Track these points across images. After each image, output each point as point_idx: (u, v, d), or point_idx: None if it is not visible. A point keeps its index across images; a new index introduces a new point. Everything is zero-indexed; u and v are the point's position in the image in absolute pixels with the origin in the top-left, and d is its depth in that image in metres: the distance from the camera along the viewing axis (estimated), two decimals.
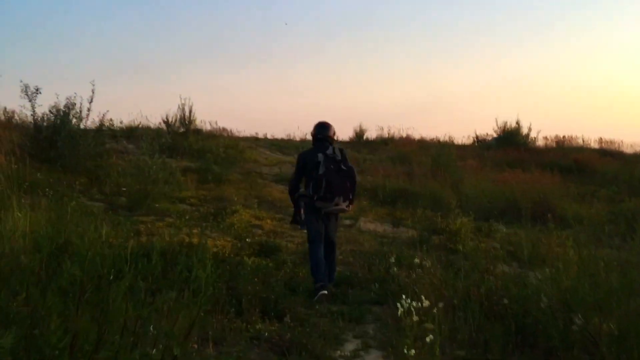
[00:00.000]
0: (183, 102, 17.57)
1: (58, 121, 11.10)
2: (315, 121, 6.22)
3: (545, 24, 41.61)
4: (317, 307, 5.35)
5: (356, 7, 42.72)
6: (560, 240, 8.71)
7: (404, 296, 3.92)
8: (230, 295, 4.86)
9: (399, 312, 3.91)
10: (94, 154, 11.55)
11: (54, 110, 11.08)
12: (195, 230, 8.16)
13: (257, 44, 42.14)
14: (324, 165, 5.64)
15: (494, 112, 43.19)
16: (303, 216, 5.95)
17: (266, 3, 42.54)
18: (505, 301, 4.70)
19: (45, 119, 11.12)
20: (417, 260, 5.38)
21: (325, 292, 5.54)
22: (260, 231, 8.90)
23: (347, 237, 8.66)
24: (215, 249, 6.84)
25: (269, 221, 9.54)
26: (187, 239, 6.42)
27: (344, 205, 5.77)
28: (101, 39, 38.25)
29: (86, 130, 11.45)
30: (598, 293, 4.11)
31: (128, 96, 34.75)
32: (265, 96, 37.67)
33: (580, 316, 4.02)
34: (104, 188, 10.23)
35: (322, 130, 6.00)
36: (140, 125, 17.75)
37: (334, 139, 6.07)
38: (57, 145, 10.78)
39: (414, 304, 3.84)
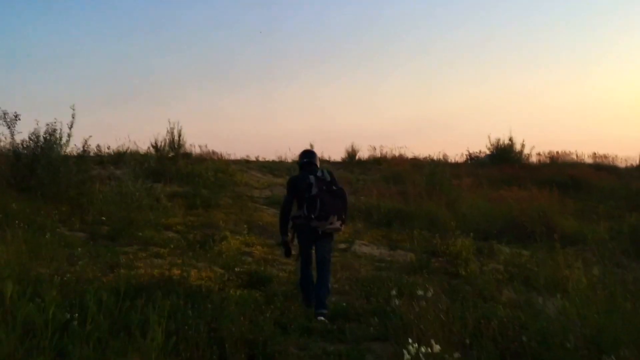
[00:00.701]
0: (172, 126, 17.09)
1: (38, 148, 10.47)
2: (305, 144, 6.32)
3: (536, 41, 41.44)
4: (310, 346, 4.73)
5: (347, 28, 42.53)
6: (568, 262, 8.18)
7: (410, 340, 3.31)
8: (212, 338, 4.23)
9: (405, 359, 3.31)
10: (77, 181, 10.90)
11: (33, 137, 10.44)
12: (179, 261, 7.56)
13: (248, 67, 41.73)
14: (316, 186, 5.70)
15: (486, 129, 42.88)
16: (293, 240, 5.97)
17: (258, 25, 42.21)
18: (524, 338, 4.10)
19: (24, 146, 10.48)
20: (420, 292, 4.77)
21: (311, 308, 5.57)
22: (250, 259, 8.28)
23: (342, 263, 8.04)
24: (200, 281, 6.21)
25: (259, 248, 8.92)
26: (167, 273, 5.77)
27: (337, 224, 5.76)
28: (89, 65, 37.71)
29: (68, 157, 10.81)
30: (631, 330, 3.54)
31: (117, 122, 34.10)
32: (256, 119, 37.18)
33: (614, 358, 3.42)
34: (86, 217, 9.59)
35: (308, 156, 6.19)
36: (128, 151, 17.17)
37: (318, 165, 6.15)
38: (37, 173, 10.13)
39: (423, 349, 3.24)
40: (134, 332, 3.74)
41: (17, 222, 7.87)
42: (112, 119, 34.06)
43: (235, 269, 7.32)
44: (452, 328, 4.35)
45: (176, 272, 6.15)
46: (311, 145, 19.59)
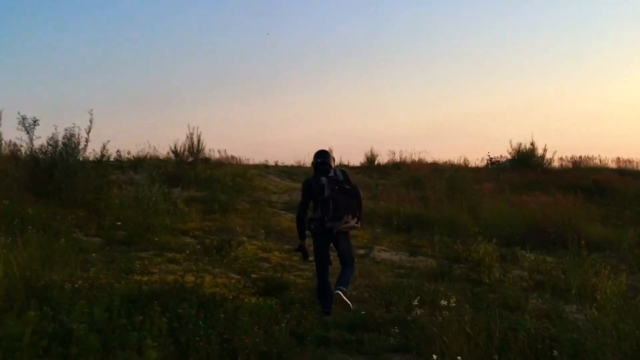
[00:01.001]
0: (191, 131, 16.99)
1: (56, 153, 10.38)
2: (322, 147, 6.30)
3: (558, 44, 40.80)
4: (328, 358, 4.48)
5: (365, 31, 42.25)
6: (596, 269, 7.84)
7: (434, 356, 3.05)
8: (224, 349, 4.00)
9: None
10: (95, 186, 10.78)
11: (52, 142, 10.35)
12: (195, 267, 7.36)
13: (266, 72, 41.70)
14: (328, 188, 5.69)
15: (506, 134, 42.22)
16: (309, 245, 5.95)
17: (274, 30, 42.16)
18: (555, 353, 3.80)
19: (43, 151, 10.39)
20: (444, 302, 4.50)
21: (329, 316, 5.45)
22: (267, 265, 8.05)
23: (360, 270, 7.73)
24: (214, 289, 6.00)
25: (276, 253, 8.69)
26: (180, 279, 5.56)
27: (353, 223, 5.78)
28: (110, 71, 37.96)
29: (86, 162, 10.70)
30: None
31: (137, 128, 34.20)
32: (275, 124, 37.05)
33: None
34: (103, 222, 9.45)
35: (321, 156, 6.12)
36: (148, 156, 17.12)
37: (333, 165, 6.10)
38: (55, 178, 10.02)
39: None
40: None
41: (32, 227, 7.76)
42: (132, 125, 34.17)
43: (252, 275, 7.14)
44: (477, 341, 4.08)
45: (190, 278, 5.93)
46: (330, 150, 19.41)
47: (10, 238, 6.75)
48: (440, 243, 10.37)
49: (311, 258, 6.01)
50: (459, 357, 3.07)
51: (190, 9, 41.18)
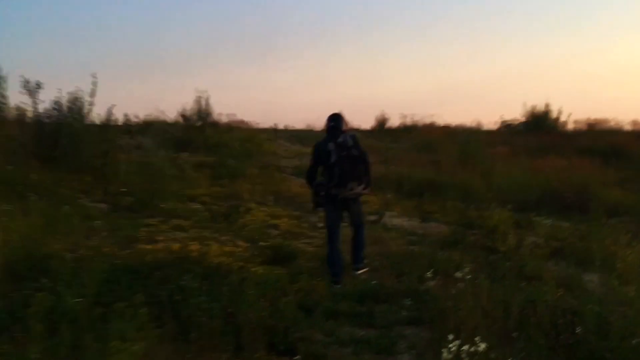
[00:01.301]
0: (200, 94, 16.64)
1: (61, 117, 10.12)
2: (332, 110, 6.07)
3: (571, 5, 39.62)
4: (337, 332, 4.27)
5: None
6: (614, 235, 7.56)
7: (449, 336, 2.81)
8: (228, 324, 3.79)
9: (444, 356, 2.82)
10: (101, 151, 10.55)
11: (56, 106, 10.08)
12: (202, 234, 7.17)
13: (276, 36, 40.98)
14: (335, 153, 5.62)
15: (519, 97, 41.46)
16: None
17: None
18: (578, 329, 3.56)
19: (47, 115, 10.14)
20: (459, 274, 4.25)
21: (339, 286, 5.38)
22: (276, 232, 7.83)
23: (371, 237, 7.40)
24: (220, 258, 5.79)
25: (286, 220, 8.45)
26: (186, 248, 5.36)
27: (359, 189, 5.75)
28: (117, 34, 37.42)
29: (91, 126, 10.45)
30: None
31: (146, 92, 33.84)
32: (285, 87, 36.54)
33: None
34: (109, 188, 9.24)
35: (333, 120, 5.93)
36: (157, 120, 16.82)
37: (346, 129, 5.94)
38: (60, 143, 9.80)
39: (465, 348, 2.74)
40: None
41: (36, 193, 7.58)
42: (141, 89, 33.83)
43: (260, 243, 6.92)
44: (494, 315, 3.84)
45: (195, 247, 5.75)
46: (342, 114, 19.04)
47: (12, 205, 6.57)
48: (453, 209, 10.12)
49: (321, 213, 6.07)
50: (477, 338, 2.82)
51: None
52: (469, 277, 4.24)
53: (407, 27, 40.62)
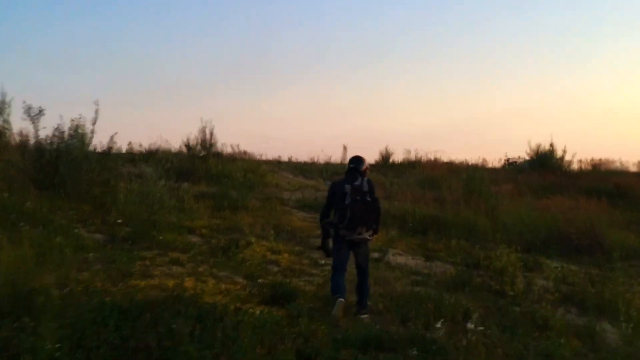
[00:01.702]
0: (204, 124, 16.48)
1: (62, 144, 9.90)
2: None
3: (577, 45, 39.77)
4: None
5: (384, 30, 41.52)
6: (626, 280, 7.25)
7: None
8: None
9: None
10: (102, 179, 10.30)
11: (57, 133, 9.87)
12: (200, 269, 6.86)
13: (282, 69, 41.13)
14: (350, 197, 5.72)
15: (523, 135, 41.30)
16: (330, 244, 5.92)
17: (292, 27, 41.55)
18: None
19: (48, 141, 9.92)
20: (471, 326, 3.93)
21: (342, 300, 5.45)
22: (275, 268, 7.52)
23: (375, 276, 7.09)
24: (216, 296, 5.47)
25: (286, 255, 8.14)
26: (181, 284, 5.04)
27: (366, 235, 5.81)
28: (125, 64, 37.58)
29: (92, 154, 10.20)
30: None
31: (151, 120, 33.77)
32: (290, 120, 36.50)
33: None
34: (107, 217, 8.95)
35: (354, 162, 6.07)
36: (160, 149, 16.61)
37: (366, 172, 6.06)
38: (60, 171, 9.55)
39: None
40: None
41: (30, 221, 7.31)
42: (147, 118, 33.79)
43: (259, 280, 6.61)
44: None
45: (192, 284, 5.43)
46: (344, 147, 18.92)
47: (2, 234, 6.28)
48: (458, 248, 9.80)
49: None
50: None
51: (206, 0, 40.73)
52: (480, 328, 3.89)
53: (412, 62, 40.75)
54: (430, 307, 5.46)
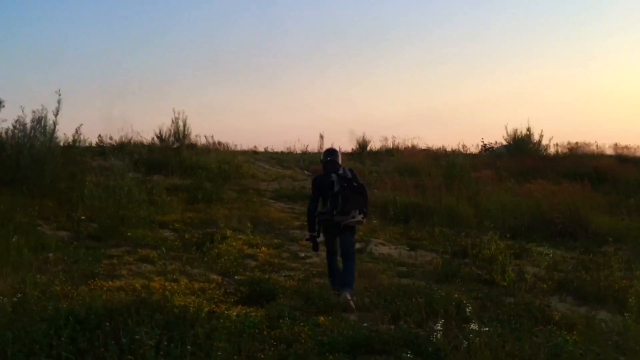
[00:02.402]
0: (177, 115, 15.76)
1: (25, 138, 9.23)
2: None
3: (553, 31, 39.65)
4: None
5: (360, 17, 40.88)
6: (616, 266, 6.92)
7: None
8: None
9: None
10: (68, 173, 9.65)
11: (18, 125, 9.19)
12: (172, 266, 6.32)
13: (255, 57, 40.32)
14: (338, 184, 5.88)
15: (499, 121, 41.21)
16: (321, 237, 6.05)
17: (264, 13, 40.65)
18: None
19: (9, 135, 9.24)
20: (474, 327, 3.47)
21: (338, 292, 5.58)
22: (253, 263, 7.02)
23: (359, 268, 6.53)
24: (188, 298, 4.93)
25: (264, 249, 7.63)
26: (150, 285, 4.50)
27: (359, 217, 5.99)
28: (95, 58, 36.39)
29: (55, 147, 9.54)
30: None
31: (122, 113, 32.72)
32: (264, 110, 35.71)
33: None
34: (73, 214, 8.33)
35: (330, 154, 6.26)
36: (132, 141, 15.87)
37: (340, 164, 6.20)
38: (21, 165, 8.89)
39: None
40: None
41: None
42: (118, 111, 32.78)
43: (236, 277, 6.12)
44: None
45: (161, 284, 4.89)
46: (321, 136, 18.48)
47: None
48: (442, 236, 9.41)
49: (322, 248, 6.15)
50: None
51: None
52: (486, 329, 3.43)
53: (388, 50, 40.23)
54: (421, 302, 4.99)
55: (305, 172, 16.06)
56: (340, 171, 6.02)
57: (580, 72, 38.85)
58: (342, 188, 5.84)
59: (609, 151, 19.58)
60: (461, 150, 19.45)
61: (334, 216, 5.85)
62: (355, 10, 39.93)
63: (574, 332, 4.64)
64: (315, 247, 6.06)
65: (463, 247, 8.09)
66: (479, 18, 39.63)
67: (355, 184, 5.96)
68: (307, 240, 6.32)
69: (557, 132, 34.30)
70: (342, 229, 5.92)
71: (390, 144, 19.94)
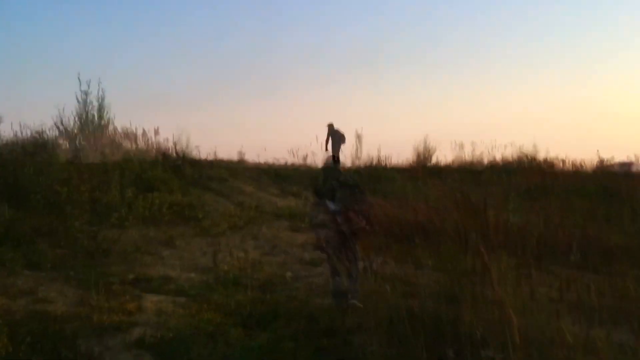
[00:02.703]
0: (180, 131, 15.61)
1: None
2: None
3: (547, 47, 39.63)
4: None
5: (356, 43, 40.77)
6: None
7: None
8: None
9: None
10: None
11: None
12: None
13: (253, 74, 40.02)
14: (339, 190, 5.87)
15: (504, 139, 40.81)
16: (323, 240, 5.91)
17: (259, 31, 40.54)
18: None
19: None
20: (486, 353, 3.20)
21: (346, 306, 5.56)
22: (255, 282, 6.75)
23: (363, 289, 6.29)
24: (185, 319, 4.67)
25: (266, 268, 7.37)
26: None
27: (363, 223, 5.92)
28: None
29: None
30: None
31: None
32: (263, 124, 35.22)
33: None
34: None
35: (332, 162, 6.52)
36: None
37: (340, 171, 6.42)
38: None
39: None
40: None
41: None
42: None
43: (235, 297, 5.86)
44: None
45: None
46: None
47: None
48: (448, 255, 9.13)
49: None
50: None
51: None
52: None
53: (393, 69, 40.07)
54: (433, 328, 4.72)
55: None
56: (342, 178, 6.08)
57: (583, 93, 38.62)
58: (343, 195, 5.87)
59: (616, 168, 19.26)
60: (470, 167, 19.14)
61: (337, 224, 5.81)
62: (349, 27, 39.82)
63: (592, 356, 4.39)
64: (321, 248, 6.04)
65: (470, 266, 7.81)
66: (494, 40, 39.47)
67: (357, 190, 5.99)
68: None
69: (560, 149, 34.04)
70: (345, 237, 5.88)
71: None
